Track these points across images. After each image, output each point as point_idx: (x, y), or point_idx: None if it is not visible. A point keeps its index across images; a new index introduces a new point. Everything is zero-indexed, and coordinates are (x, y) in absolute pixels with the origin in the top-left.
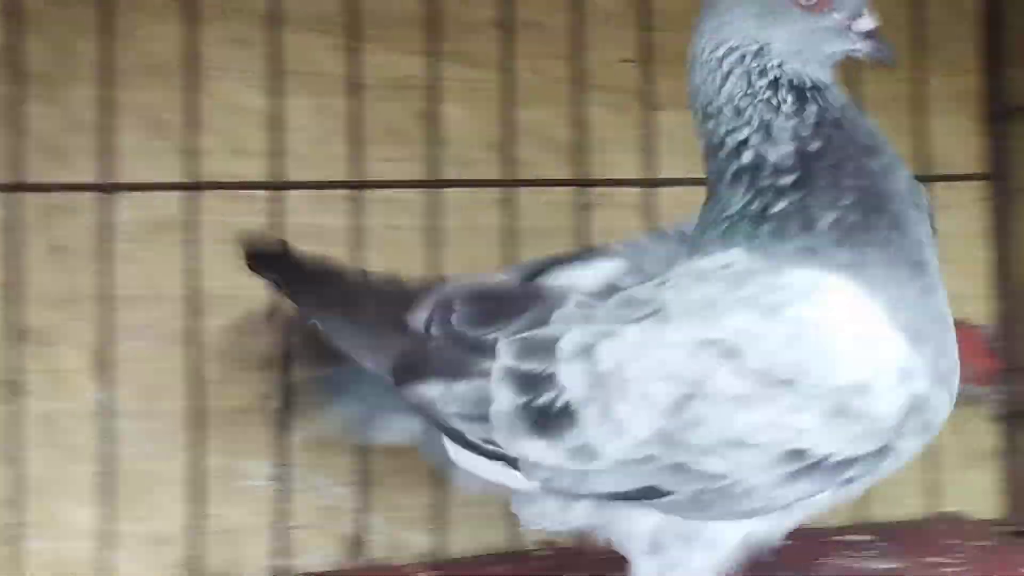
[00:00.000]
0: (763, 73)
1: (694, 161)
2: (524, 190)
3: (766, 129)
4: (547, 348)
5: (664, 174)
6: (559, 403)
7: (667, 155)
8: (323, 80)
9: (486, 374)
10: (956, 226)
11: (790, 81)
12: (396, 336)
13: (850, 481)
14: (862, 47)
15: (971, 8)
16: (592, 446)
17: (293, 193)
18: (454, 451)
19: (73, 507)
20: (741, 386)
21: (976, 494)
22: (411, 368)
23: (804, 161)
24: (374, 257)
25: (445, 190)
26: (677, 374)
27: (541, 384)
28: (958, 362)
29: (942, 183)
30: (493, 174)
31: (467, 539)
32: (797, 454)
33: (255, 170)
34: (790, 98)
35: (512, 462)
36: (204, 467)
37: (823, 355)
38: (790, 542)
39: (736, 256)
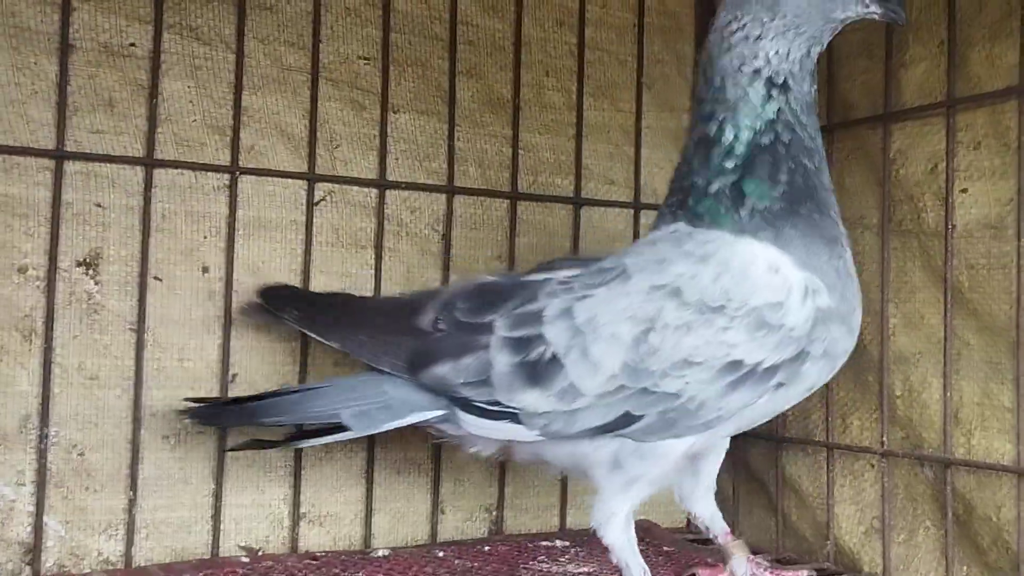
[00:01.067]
0: (754, 58)
1: (428, 167)
2: (250, 178)
3: (734, 111)
4: (535, 316)
5: (392, 177)
6: (547, 356)
7: (400, 157)
8: (28, 36)
9: (486, 347)
10: None
11: (768, 77)
12: (408, 337)
13: (780, 386)
14: (875, 9)
15: (687, 51)
16: (576, 386)
17: None
18: (467, 422)
19: None
20: (684, 316)
21: (665, 505)
22: (424, 356)
23: (751, 150)
24: (72, 234)
25: (161, 170)
26: (635, 315)
27: (531, 344)
28: (859, 309)
29: (654, 211)
30: (218, 159)
31: (156, 546)
32: (734, 365)
33: None
34: (762, 91)
35: (514, 417)
36: None
37: (743, 284)
38: (488, 548)
39: (680, 226)
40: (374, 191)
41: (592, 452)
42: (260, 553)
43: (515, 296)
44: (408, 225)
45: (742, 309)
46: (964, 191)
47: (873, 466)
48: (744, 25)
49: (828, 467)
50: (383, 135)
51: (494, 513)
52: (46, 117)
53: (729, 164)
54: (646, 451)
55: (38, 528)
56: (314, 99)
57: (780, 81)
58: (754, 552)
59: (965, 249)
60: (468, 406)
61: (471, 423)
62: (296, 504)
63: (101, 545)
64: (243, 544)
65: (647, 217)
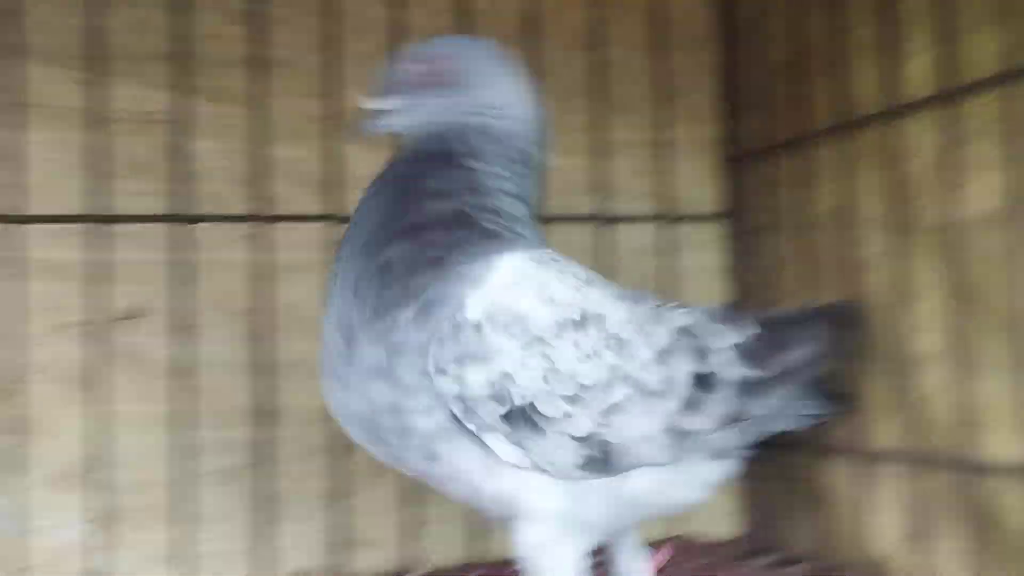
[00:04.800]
0: None
1: None
2: (278, 225)
3: None
4: None
5: None
6: None
7: None
8: (65, 113)
9: None
10: (699, 263)
11: None
12: None
13: None
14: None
15: (708, 60)
16: None
17: (32, 227)
18: None
19: None
20: None
21: (721, 516)
22: None
23: None
24: (116, 293)
25: (195, 225)
26: None
27: None
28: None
29: (687, 223)
30: (244, 209)
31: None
32: None
33: None
34: None
35: None
36: None
37: None
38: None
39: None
40: None
41: None
42: None
43: None
44: None
45: None
46: (971, 183)
47: (905, 472)
48: None
49: (860, 474)
50: None
51: None
52: (85, 185)
53: None
54: None
55: (103, 562)
56: None
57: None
58: (795, 562)
59: (976, 243)
60: None
61: None
62: (343, 530)
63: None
64: (295, 571)
65: (677, 230)
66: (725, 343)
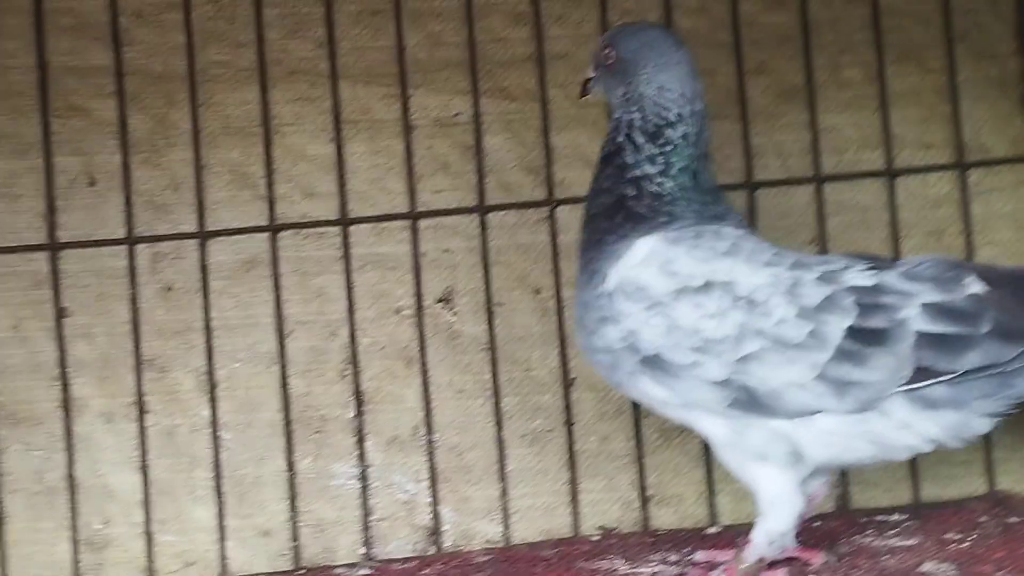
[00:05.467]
0: None
1: (723, 167)
2: (564, 207)
3: None
4: None
5: None
6: None
7: None
8: (379, 125)
9: None
10: (1002, 209)
11: None
12: None
13: None
14: None
15: None
16: None
17: (358, 227)
18: None
19: (193, 506)
20: None
21: None
22: None
23: None
24: (430, 277)
25: (491, 214)
26: None
27: None
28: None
29: (983, 169)
30: (535, 196)
31: (528, 528)
32: None
33: (324, 209)
34: None
35: None
36: (297, 470)
37: None
38: (819, 523)
39: None
40: None
41: None
42: (614, 531)
43: None
44: None
45: None
46: None
47: None
48: None
49: None
50: None
51: (838, 488)
52: (399, 187)
53: None
54: None
55: (436, 515)
56: None
57: None
58: None
59: None
60: None
61: None
62: (643, 487)
63: (484, 528)
64: (599, 525)
65: (974, 176)
66: (912, 302)
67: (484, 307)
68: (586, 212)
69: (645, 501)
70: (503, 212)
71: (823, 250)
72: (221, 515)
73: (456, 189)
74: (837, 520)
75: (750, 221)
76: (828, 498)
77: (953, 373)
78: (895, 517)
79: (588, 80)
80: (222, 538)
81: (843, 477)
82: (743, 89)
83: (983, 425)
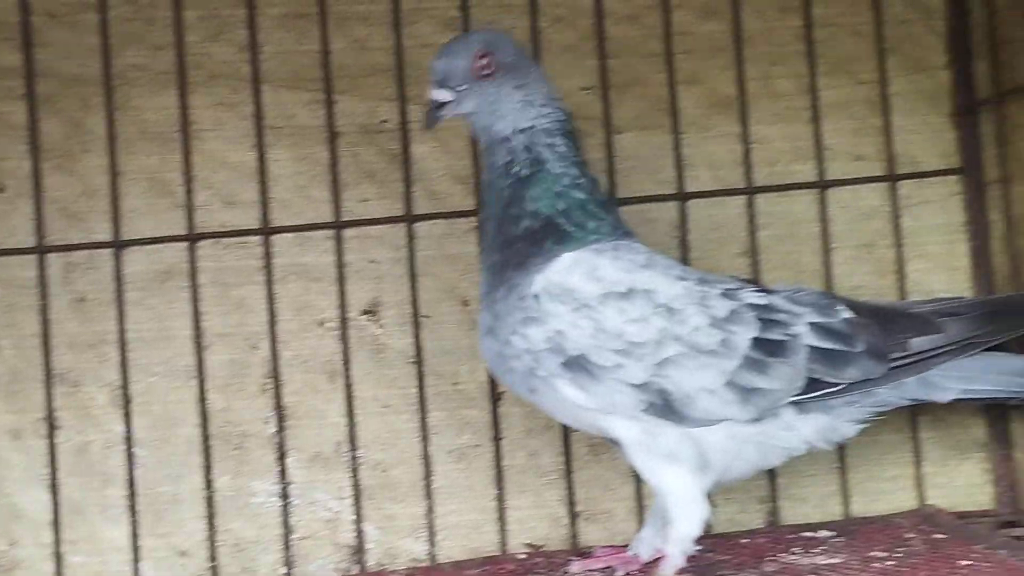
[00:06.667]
0: None
1: (654, 178)
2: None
3: None
4: None
5: (621, 193)
6: None
7: (628, 174)
8: (303, 132)
9: None
10: (933, 222)
11: None
12: None
13: None
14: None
15: (935, 5)
16: None
17: (280, 236)
18: None
19: (106, 526)
20: None
21: (970, 487)
22: None
23: None
24: (355, 290)
25: (419, 223)
26: None
27: None
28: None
29: (915, 181)
30: (464, 205)
31: (454, 545)
32: None
33: (245, 218)
34: None
35: None
36: (216, 487)
37: None
38: (746, 540)
39: None
40: None
41: None
42: (541, 548)
43: None
44: (644, 235)
45: None
46: None
47: None
48: None
49: None
50: (609, 156)
51: (768, 504)
52: (323, 195)
53: None
54: None
55: (360, 533)
56: None
57: None
58: None
59: None
60: None
61: None
62: (571, 504)
63: (410, 546)
64: (527, 542)
65: (905, 188)
66: (801, 320)
67: (411, 319)
68: (501, 232)
69: (574, 517)
70: (431, 222)
71: (755, 262)
72: (135, 535)
73: (382, 198)
74: (765, 537)
75: (681, 232)
76: (758, 514)
77: (838, 385)
78: (823, 534)
79: (442, 104)
80: (136, 558)
81: (773, 492)
82: (675, 99)
83: (850, 430)
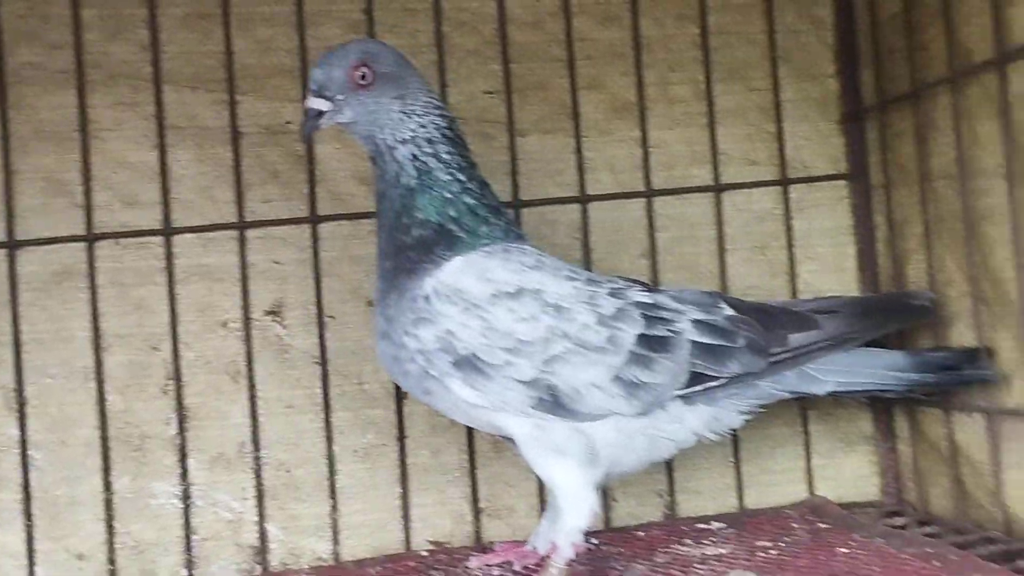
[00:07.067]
0: None
1: (557, 181)
2: None
3: None
4: None
5: (524, 196)
6: None
7: (531, 176)
8: (205, 132)
9: None
10: (822, 225)
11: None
12: None
13: None
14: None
15: (824, 16)
16: None
17: (182, 237)
18: None
19: (0, 530)
20: None
21: (857, 479)
22: None
23: None
24: (259, 291)
25: (323, 224)
26: None
27: None
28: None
29: (804, 184)
30: (368, 206)
31: (358, 544)
32: None
33: (146, 219)
34: None
35: None
36: (115, 489)
37: None
38: (643, 533)
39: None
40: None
41: None
42: (446, 546)
43: None
44: (547, 237)
45: None
46: None
47: None
48: None
49: (993, 432)
50: (513, 159)
51: (666, 497)
52: (227, 196)
53: None
54: None
55: (263, 533)
56: None
57: None
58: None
59: None
60: None
61: None
62: (475, 500)
63: (313, 545)
64: (431, 539)
65: (796, 192)
66: (684, 318)
67: (315, 320)
68: (393, 240)
69: (477, 514)
70: (335, 223)
71: (654, 264)
72: (31, 538)
73: (287, 199)
74: (660, 529)
75: (583, 235)
76: (655, 508)
77: (720, 379)
78: (715, 525)
79: (320, 113)
80: (32, 563)
81: (670, 486)
82: (576, 104)
83: (736, 421)
